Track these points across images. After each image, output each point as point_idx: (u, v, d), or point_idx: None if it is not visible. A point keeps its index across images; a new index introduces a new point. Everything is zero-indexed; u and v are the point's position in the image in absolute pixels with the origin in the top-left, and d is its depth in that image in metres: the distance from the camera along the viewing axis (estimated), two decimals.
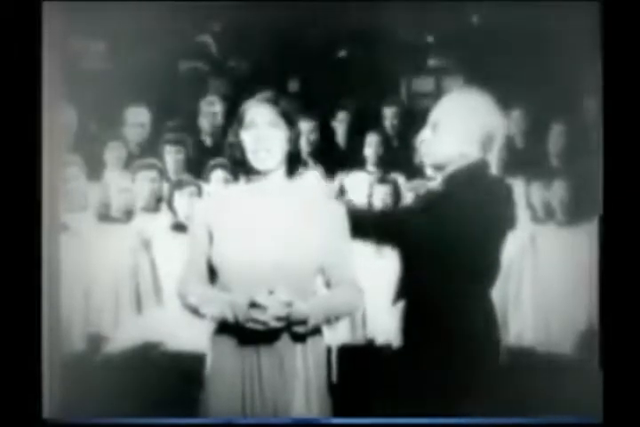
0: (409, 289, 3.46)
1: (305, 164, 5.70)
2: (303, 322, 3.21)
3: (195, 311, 3.30)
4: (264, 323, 3.18)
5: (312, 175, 3.83)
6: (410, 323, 3.45)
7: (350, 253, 3.40)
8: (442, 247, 3.36)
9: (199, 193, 5.46)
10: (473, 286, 3.42)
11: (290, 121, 3.33)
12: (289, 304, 3.17)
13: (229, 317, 3.21)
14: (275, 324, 3.18)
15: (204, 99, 6.21)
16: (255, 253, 3.24)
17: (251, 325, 3.19)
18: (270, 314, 3.16)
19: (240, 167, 3.37)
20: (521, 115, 5.91)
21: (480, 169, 3.47)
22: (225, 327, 3.28)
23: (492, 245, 3.46)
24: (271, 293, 3.17)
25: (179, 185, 5.53)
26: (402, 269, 3.50)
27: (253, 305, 3.17)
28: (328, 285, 3.39)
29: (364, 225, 3.44)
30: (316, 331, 3.32)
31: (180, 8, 5.39)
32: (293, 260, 3.25)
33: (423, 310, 3.41)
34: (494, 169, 3.53)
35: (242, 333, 3.23)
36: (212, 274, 3.36)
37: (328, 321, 3.31)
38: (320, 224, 3.33)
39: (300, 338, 3.27)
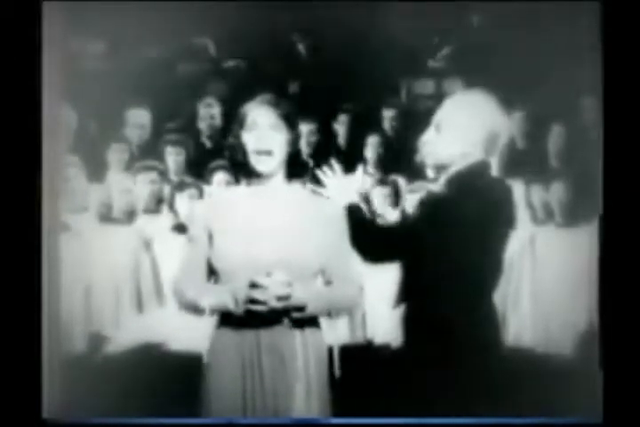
0: (410, 291, 3.46)
1: (305, 166, 5.70)
2: (301, 308, 3.22)
3: (193, 307, 3.30)
4: (265, 303, 3.17)
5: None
6: (411, 324, 3.44)
7: (350, 254, 3.41)
8: (443, 249, 3.36)
9: (200, 195, 5.46)
10: (474, 288, 3.42)
11: (290, 123, 3.34)
12: (288, 284, 3.18)
13: (230, 303, 3.21)
14: (275, 304, 3.18)
15: (202, 101, 6.21)
16: (255, 255, 3.24)
17: (251, 307, 3.18)
18: (270, 293, 3.17)
19: (241, 169, 3.37)
20: (521, 115, 5.91)
21: (481, 170, 3.47)
22: (225, 320, 3.29)
23: (493, 247, 3.46)
24: (269, 274, 3.18)
25: (180, 187, 5.54)
26: (403, 272, 3.49)
27: (253, 286, 3.18)
28: (328, 284, 3.40)
29: (367, 243, 3.45)
30: (315, 324, 3.33)
31: (180, 9, 5.39)
32: (294, 261, 3.25)
33: (424, 311, 3.40)
34: (495, 170, 3.53)
35: (242, 321, 3.23)
36: (210, 276, 3.36)
37: (328, 313, 3.32)
38: (320, 225, 3.34)
39: (299, 325, 3.27)
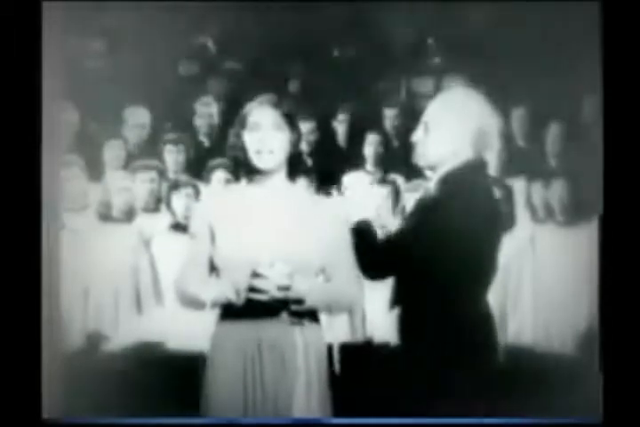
0: (405, 293, 3.46)
1: (305, 164, 5.71)
2: (300, 301, 3.24)
3: (194, 301, 3.31)
4: (266, 292, 3.19)
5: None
6: (407, 324, 3.44)
7: (351, 252, 3.41)
8: (437, 250, 3.35)
9: (196, 193, 5.46)
10: (468, 288, 3.41)
11: (292, 123, 3.35)
12: (289, 275, 3.20)
13: (231, 294, 3.23)
14: (276, 293, 3.20)
15: (200, 100, 6.22)
16: (256, 253, 3.25)
17: (252, 295, 3.20)
18: (272, 283, 3.19)
19: (242, 168, 3.38)
20: (521, 114, 5.92)
21: (475, 169, 3.45)
22: (226, 317, 3.30)
23: (486, 247, 3.45)
24: (272, 265, 3.20)
25: (176, 186, 5.53)
26: (397, 275, 3.49)
27: (255, 275, 3.20)
28: (328, 281, 3.40)
29: (369, 261, 3.45)
30: (315, 321, 3.33)
31: (180, 9, 5.39)
32: (295, 259, 3.25)
33: (420, 311, 3.40)
34: (493, 169, 3.52)
35: (243, 315, 3.24)
36: (211, 272, 3.37)
37: (327, 309, 3.35)
38: (321, 223, 3.34)
39: (298, 321, 3.28)
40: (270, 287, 3.20)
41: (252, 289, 3.21)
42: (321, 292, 3.31)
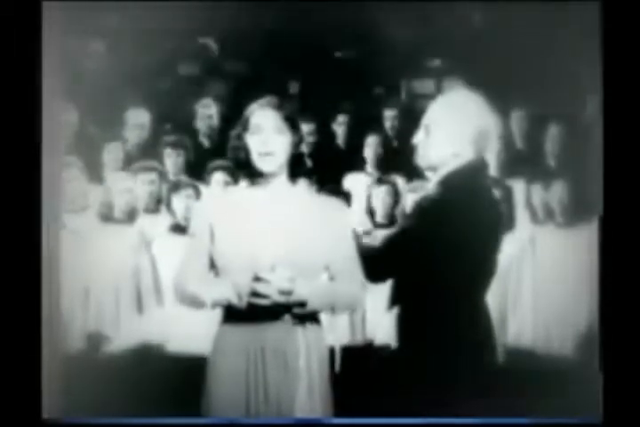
0: (403, 293, 3.46)
1: (306, 166, 5.70)
2: (302, 304, 3.25)
3: (194, 301, 3.32)
4: (268, 296, 3.20)
5: None
6: (406, 325, 3.44)
7: (353, 251, 3.41)
8: (435, 250, 3.35)
9: (197, 195, 5.46)
10: (467, 289, 3.42)
11: (293, 125, 3.36)
12: (291, 279, 3.21)
13: (232, 297, 3.23)
14: (278, 298, 3.21)
15: (200, 101, 6.22)
16: (258, 253, 3.26)
17: (254, 300, 3.21)
18: (273, 287, 3.20)
19: (243, 170, 3.38)
20: (521, 115, 5.92)
21: (475, 170, 3.46)
22: (228, 318, 3.30)
23: (486, 248, 3.45)
24: (273, 269, 3.21)
25: (176, 187, 5.54)
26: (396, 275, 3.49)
27: (257, 279, 3.21)
28: (332, 281, 3.41)
29: (369, 266, 3.45)
30: (317, 322, 3.35)
31: (180, 9, 5.39)
32: (297, 259, 3.27)
33: (418, 312, 3.40)
34: (493, 170, 3.52)
35: (245, 318, 3.25)
36: (210, 270, 3.37)
37: (330, 309, 3.35)
38: (323, 224, 3.35)
39: (300, 322, 3.29)
40: (272, 292, 3.21)
41: (254, 294, 3.22)
42: (323, 293, 3.31)
